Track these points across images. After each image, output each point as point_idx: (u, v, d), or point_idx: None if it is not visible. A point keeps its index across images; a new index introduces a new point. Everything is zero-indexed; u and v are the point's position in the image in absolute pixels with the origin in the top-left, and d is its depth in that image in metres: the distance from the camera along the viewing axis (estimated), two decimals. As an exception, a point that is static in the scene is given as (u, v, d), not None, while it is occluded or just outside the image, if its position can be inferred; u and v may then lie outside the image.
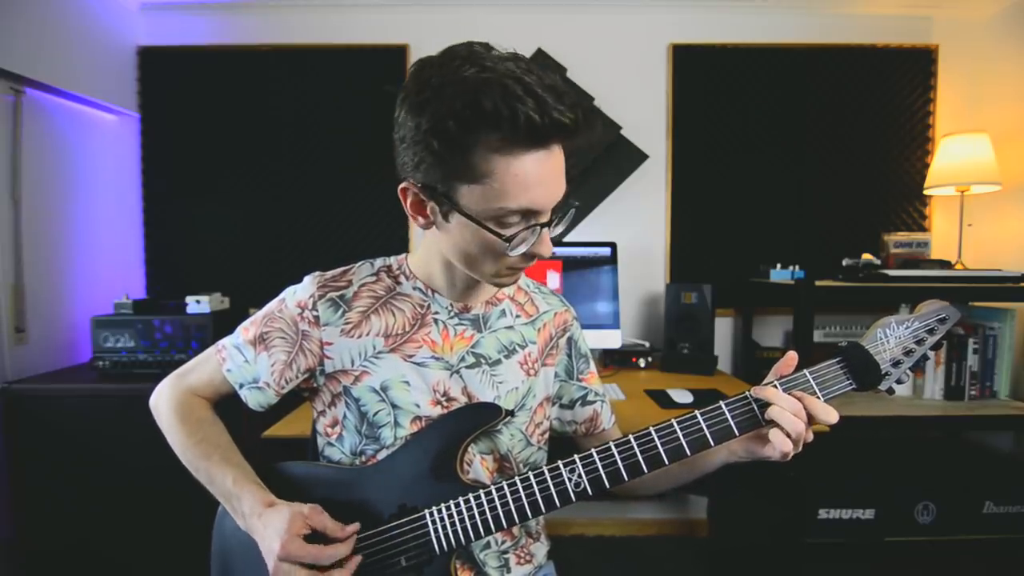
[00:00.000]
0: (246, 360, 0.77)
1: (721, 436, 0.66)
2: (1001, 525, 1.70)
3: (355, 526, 0.69)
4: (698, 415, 0.66)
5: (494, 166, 0.60)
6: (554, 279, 1.87)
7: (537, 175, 0.62)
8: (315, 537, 0.67)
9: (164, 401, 0.79)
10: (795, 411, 0.63)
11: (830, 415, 0.63)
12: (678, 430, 0.66)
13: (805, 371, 0.66)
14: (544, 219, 0.66)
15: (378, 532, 0.70)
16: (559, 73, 2.06)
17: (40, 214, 1.75)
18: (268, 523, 0.66)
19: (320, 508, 0.68)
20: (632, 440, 0.67)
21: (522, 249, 0.66)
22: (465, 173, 0.61)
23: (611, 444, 0.67)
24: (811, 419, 0.64)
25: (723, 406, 0.66)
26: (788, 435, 0.63)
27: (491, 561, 0.79)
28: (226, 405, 0.83)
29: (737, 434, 0.66)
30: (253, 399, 0.78)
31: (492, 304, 0.83)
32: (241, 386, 0.78)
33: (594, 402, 0.89)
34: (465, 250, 0.69)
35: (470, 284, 0.78)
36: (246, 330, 0.79)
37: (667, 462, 0.66)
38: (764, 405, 0.66)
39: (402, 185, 0.69)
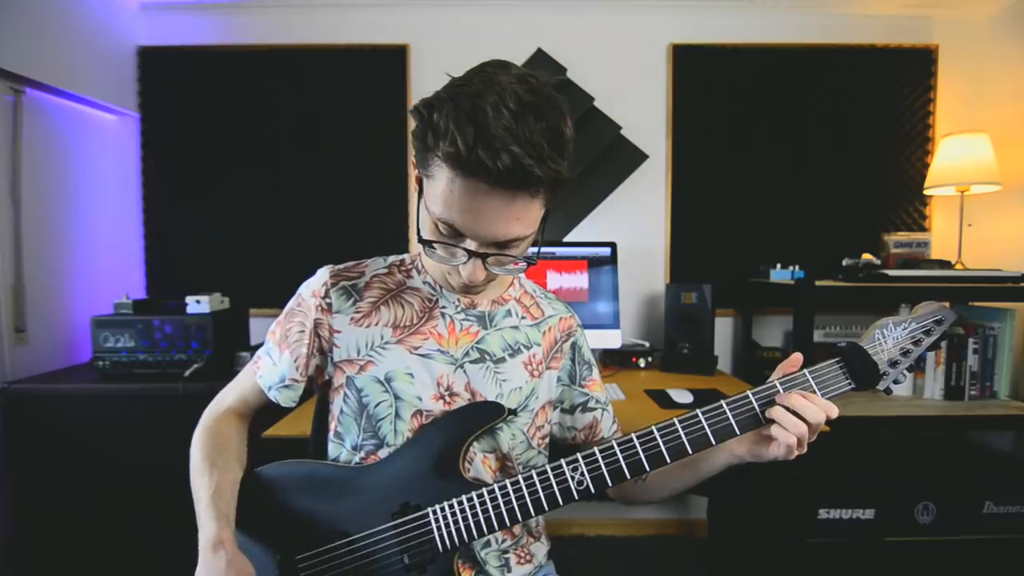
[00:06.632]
0: (273, 363, 0.80)
1: (722, 434, 0.66)
2: (1001, 525, 1.70)
3: None
4: (699, 413, 0.67)
5: (440, 172, 0.62)
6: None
7: (469, 203, 0.61)
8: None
9: (200, 423, 0.81)
10: (797, 408, 0.64)
11: (830, 410, 0.65)
12: (680, 428, 0.67)
13: (805, 371, 0.67)
14: (472, 247, 0.65)
15: (381, 530, 0.70)
16: (559, 73, 2.06)
17: (40, 214, 1.75)
18: (208, 566, 0.64)
19: None
20: (634, 438, 0.67)
21: (436, 259, 0.68)
22: (425, 167, 0.64)
23: (613, 443, 0.68)
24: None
25: (724, 405, 0.67)
26: (790, 432, 0.64)
27: (492, 560, 0.79)
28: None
29: (738, 432, 0.67)
30: (283, 397, 0.81)
31: (498, 304, 0.84)
32: (270, 388, 0.80)
33: (594, 409, 0.89)
34: None
35: None
36: (272, 333, 0.82)
37: (668, 460, 0.67)
38: (765, 404, 0.66)
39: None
